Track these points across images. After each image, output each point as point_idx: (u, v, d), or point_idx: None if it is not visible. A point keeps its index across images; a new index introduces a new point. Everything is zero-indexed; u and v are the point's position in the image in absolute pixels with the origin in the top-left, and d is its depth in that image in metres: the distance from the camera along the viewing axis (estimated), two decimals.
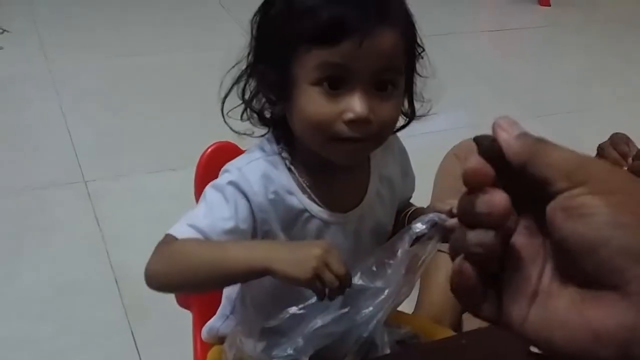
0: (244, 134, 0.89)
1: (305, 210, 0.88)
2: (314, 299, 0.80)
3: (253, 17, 0.86)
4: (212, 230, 0.82)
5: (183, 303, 1.11)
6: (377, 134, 0.83)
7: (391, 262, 0.84)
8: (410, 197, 1.03)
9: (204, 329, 1.04)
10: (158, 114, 2.39)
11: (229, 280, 0.87)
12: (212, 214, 0.83)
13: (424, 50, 0.88)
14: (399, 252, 0.83)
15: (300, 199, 0.88)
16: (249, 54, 0.85)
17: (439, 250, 1.56)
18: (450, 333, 1.08)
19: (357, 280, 0.84)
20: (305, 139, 0.84)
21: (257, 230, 0.86)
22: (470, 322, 1.56)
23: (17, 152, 2.17)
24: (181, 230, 0.83)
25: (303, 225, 0.89)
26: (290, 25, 0.80)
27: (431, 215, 0.85)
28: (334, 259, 0.76)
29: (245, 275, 0.81)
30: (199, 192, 0.95)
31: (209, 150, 1.06)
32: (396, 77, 0.83)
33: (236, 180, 0.84)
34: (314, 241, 0.86)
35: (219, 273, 0.81)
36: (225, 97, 0.86)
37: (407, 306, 1.59)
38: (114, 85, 2.59)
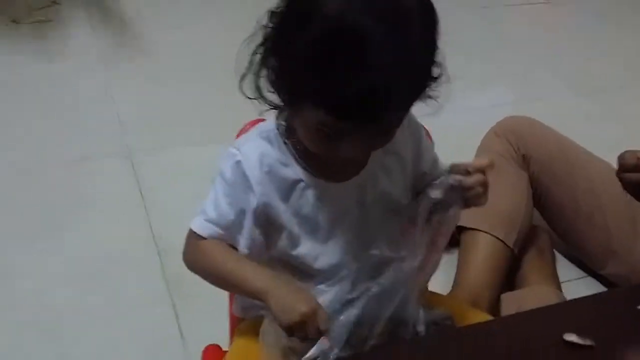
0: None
1: (301, 180, 0.91)
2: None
3: (278, 12, 0.83)
4: (221, 219, 0.93)
5: None
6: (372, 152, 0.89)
7: (413, 231, 0.84)
8: (431, 171, 1.00)
9: (235, 304, 1.07)
10: (203, 87, 2.40)
11: (236, 292, 1.02)
12: (219, 205, 0.92)
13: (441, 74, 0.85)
14: (419, 221, 0.84)
15: (294, 170, 0.91)
16: (263, 44, 0.84)
17: (477, 230, 1.58)
18: (485, 316, 1.08)
19: (379, 249, 0.86)
20: None
21: (258, 203, 0.90)
22: (509, 302, 1.55)
23: (63, 124, 2.21)
24: (200, 226, 0.94)
25: (300, 195, 0.91)
26: (312, 74, 0.77)
27: (446, 180, 0.85)
28: (317, 320, 0.83)
29: (246, 295, 0.94)
30: None
31: (247, 127, 1.07)
32: (398, 126, 0.84)
33: (236, 161, 0.90)
34: (307, 295, 0.87)
35: (228, 286, 0.98)
36: (242, 79, 0.86)
37: (444, 284, 1.59)
38: (159, 57, 2.61)
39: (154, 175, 2.00)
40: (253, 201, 0.90)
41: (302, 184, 0.91)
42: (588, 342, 0.82)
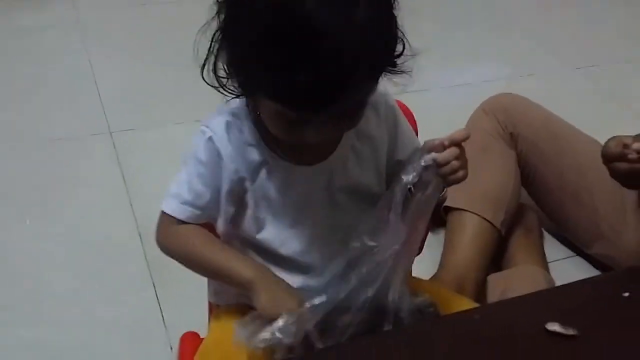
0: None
1: (267, 161, 0.88)
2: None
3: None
4: (197, 200, 0.90)
5: None
6: (343, 134, 0.86)
7: (390, 216, 0.82)
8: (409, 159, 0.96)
9: (208, 289, 1.05)
10: (184, 65, 2.35)
11: (218, 279, 0.98)
12: (193, 186, 0.89)
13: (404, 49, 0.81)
14: (395, 207, 0.81)
15: (261, 151, 0.88)
16: (217, 31, 0.81)
17: (463, 210, 1.56)
18: (469, 302, 1.05)
19: (360, 241, 0.83)
20: None
21: (232, 179, 0.88)
22: (495, 283, 1.53)
23: (44, 103, 2.17)
24: (176, 209, 0.91)
25: (266, 178, 0.89)
26: (260, 66, 0.75)
27: (419, 161, 0.82)
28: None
29: (229, 283, 0.93)
30: None
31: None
32: (362, 108, 0.81)
33: (207, 138, 0.88)
34: (296, 293, 0.87)
35: (209, 273, 0.96)
36: (203, 67, 0.83)
37: (430, 266, 1.57)
38: (141, 35, 2.56)
39: (135, 155, 1.97)
40: (227, 177, 0.88)
41: (267, 166, 0.88)
42: (571, 332, 0.80)
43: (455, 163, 0.83)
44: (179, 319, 1.46)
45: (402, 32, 0.80)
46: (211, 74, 0.83)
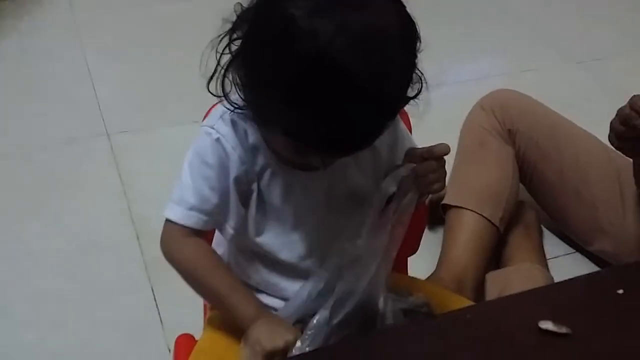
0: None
1: (270, 165, 0.87)
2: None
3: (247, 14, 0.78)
4: (204, 205, 0.87)
5: None
6: None
7: (371, 223, 0.84)
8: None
9: None
10: (182, 66, 2.34)
11: (217, 307, 0.99)
12: (199, 190, 0.86)
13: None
14: (373, 212, 0.85)
15: (265, 154, 0.87)
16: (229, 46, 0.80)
17: (462, 207, 1.55)
18: (466, 302, 1.05)
19: (352, 244, 0.85)
20: None
21: (241, 177, 0.87)
22: (493, 281, 1.52)
23: (40, 105, 2.15)
24: (182, 216, 0.88)
25: (269, 181, 0.88)
26: (283, 106, 0.73)
27: (399, 170, 0.86)
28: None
29: (231, 316, 0.92)
30: None
31: (216, 106, 1.02)
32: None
33: (214, 139, 0.85)
34: (292, 327, 0.88)
35: (210, 298, 0.97)
36: (209, 81, 0.82)
37: (429, 264, 1.56)
38: (138, 36, 2.55)
39: (133, 157, 1.96)
40: (235, 179, 0.86)
41: (270, 170, 0.87)
42: (564, 330, 0.79)
43: (431, 176, 0.87)
44: (176, 320, 1.46)
45: (420, 71, 0.80)
46: (218, 88, 0.82)
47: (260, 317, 0.88)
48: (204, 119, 1.03)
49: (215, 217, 0.89)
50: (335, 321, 0.84)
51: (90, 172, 1.92)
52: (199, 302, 1.13)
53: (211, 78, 0.82)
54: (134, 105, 2.18)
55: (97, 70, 2.33)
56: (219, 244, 0.98)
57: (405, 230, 0.87)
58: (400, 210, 0.85)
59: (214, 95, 0.84)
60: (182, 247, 0.90)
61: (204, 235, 0.92)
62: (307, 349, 0.83)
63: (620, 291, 0.84)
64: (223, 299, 0.90)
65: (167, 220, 0.90)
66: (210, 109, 1.02)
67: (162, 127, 2.07)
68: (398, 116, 0.95)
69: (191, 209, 0.87)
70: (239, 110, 0.83)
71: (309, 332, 0.84)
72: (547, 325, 0.79)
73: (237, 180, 0.86)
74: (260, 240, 0.91)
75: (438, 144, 0.86)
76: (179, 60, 2.38)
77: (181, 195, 0.87)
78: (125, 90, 2.25)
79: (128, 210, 1.78)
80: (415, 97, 0.80)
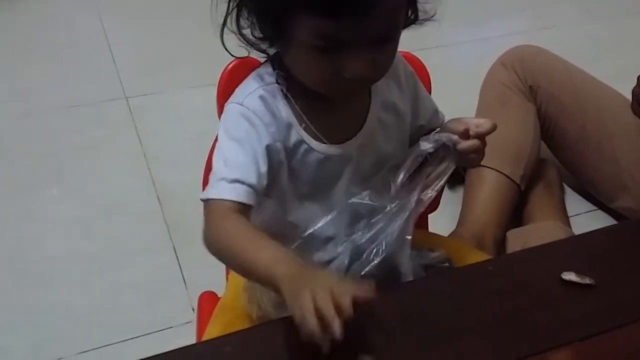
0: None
1: (304, 141, 0.85)
2: None
3: None
4: (245, 176, 0.80)
5: None
6: (379, 77, 0.83)
7: (397, 181, 0.83)
8: (430, 122, 0.96)
9: None
10: (198, 30, 2.33)
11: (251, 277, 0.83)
12: (236, 162, 0.81)
13: None
14: (404, 170, 0.84)
15: (298, 131, 0.85)
16: None
17: (482, 166, 1.53)
18: (486, 258, 1.04)
19: (365, 199, 0.84)
20: (303, 81, 0.82)
21: (273, 148, 0.83)
22: (514, 239, 1.51)
23: (59, 70, 2.16)
24: (224, 190, 0.80)
25: (303, 157, 0.86)
26: None
27: (441, 136, 0.84)
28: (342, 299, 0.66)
29: (259, 281, 0.78)
30: (220, 109, 0.92)
31: (230, 66, 1.02)
32: (397, 32, 0.80)
33: (240, 114, 0.82)
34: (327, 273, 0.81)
35: (242, 270, 0.80)
36: (224, 25, 0.81)
37: (450, 222, 1.56)
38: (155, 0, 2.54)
39: (152, 120, 1.97)
40: (269, 147, 0.83)
41: (304, 146, 0.85)
42: (587, 281, 0.79)
43: (472, 156, 0.87)
44: (199, 279, 1.47)
45: None
46: (235, 31, 0.80)
47: (283, 275, 0.73)
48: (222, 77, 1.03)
49: (258, 187, 0.82)
50: (360, 274, 0.84)
51: (109, 135, 1.93)
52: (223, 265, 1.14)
53: (224, 23, 0.81)
54: (151, 68, 2.18)
55: (114, 34, 2.33)
56: None
57: (434, 195, 0.85)
58: (432, 176, 0.84)
59: (227, 51, 0.83)
60: (225, 222, 0.80)
61: (247, 213, 0.82)
62: None
63: None
64: (251, 263, 0.76)
65: (208, 203, 0.81)
66: (228, 66, 1.02)
67: (180, 89, 2.07)
68: (417, 77, 0.95)
69: (233, 181, 0.80)
70: (259, 49, 0.82)
71: None
72: (570, 276, 0.79)
73: (269, 149, 0.83)
74: (290, 217, 0.89)
75: (485, 121, 0.86)
76: (195, 22, 2.37)
77: (218, 175, 0.81)
78: (142, 53, 2.25)
79: (148, 171, 1.78)
80: None
